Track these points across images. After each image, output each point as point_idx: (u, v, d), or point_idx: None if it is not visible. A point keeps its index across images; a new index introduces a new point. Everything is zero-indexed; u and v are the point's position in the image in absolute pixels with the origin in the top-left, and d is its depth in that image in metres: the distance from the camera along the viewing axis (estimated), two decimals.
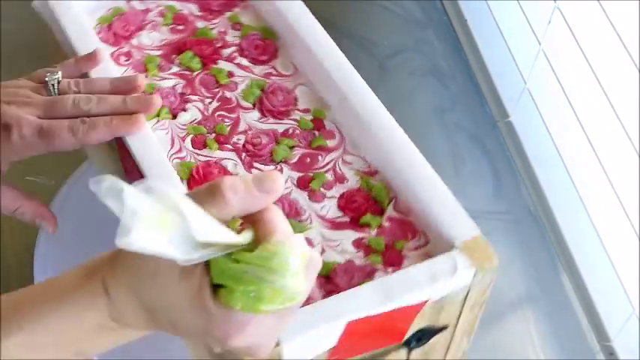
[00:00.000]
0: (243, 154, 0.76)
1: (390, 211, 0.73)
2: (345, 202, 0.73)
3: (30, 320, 0.53)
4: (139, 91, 0.77)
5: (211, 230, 0.49)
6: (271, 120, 0.79)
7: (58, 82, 0.77)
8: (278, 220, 0.52)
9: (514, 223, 1.02)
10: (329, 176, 0.75)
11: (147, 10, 0.87)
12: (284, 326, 0.54)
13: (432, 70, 1.16)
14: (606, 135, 0.90)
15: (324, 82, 0.79)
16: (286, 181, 0.75)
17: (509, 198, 1.04)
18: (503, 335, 0.94)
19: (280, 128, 0.78)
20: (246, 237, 0.51)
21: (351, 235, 0.72)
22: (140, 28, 0.85)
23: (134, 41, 0.84)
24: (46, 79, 0.76)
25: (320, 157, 0.76)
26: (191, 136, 0.77)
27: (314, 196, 0.74)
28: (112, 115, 0.74)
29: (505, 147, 1.09)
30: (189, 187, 0.74)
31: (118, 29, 0.84)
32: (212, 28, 0.85)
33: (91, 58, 0.78)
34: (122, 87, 0.77)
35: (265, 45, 0.83)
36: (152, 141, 0.74)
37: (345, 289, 0.66)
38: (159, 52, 0.83)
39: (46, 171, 1.02)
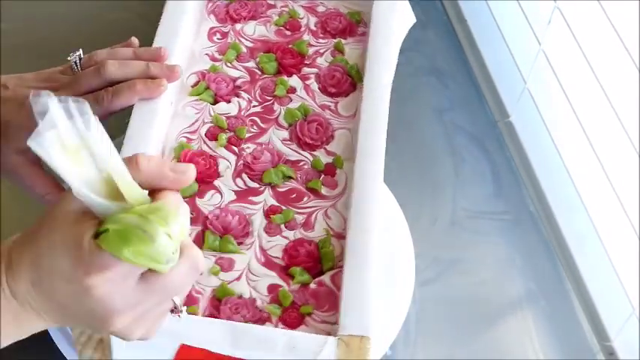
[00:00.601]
0: (240, 162, 0.76)
1: (325, 277, 0.71)
2: (290, 248, 0.72)
3: None
4: (162, 61, 0.77)
5: (117, 172, 0.51)
6: (294, 146, 0.78)
7: (80, 59, 0.78)
8: (177, 199, 0.54)
9: (514, 223, 1.02)
10: (299, 218, 0.73)
11: (271, 6, 0.87)
12: (152, 320, 0.54)
13: (432, 70, 1.16)
14: (606, 135, 0.90)
15: (357, 135, 0.77)
16: (259, 203, 0.74)
17: (509, 198, 1.04)
18: (503, 335, 0.94)
19: (294, 157, 0.77)
20: (145, 199, 0.53)
21: (272, 278, 0.70)
22: (253, 17, 0.86)
23: (238, 26, 0.85)
24: (68, 58, 0.77)
25: (306, 198, 0.75)
26: (211, 125, 0.77)
27: (270, 228, 0.73)
28: (136, 80, 0.75)
29: (505, 147, 1.09)
30: None
31: (232, 10, 0.86)
32: (313, 45, 0.85)
33: (155, 55, 0.78)
34: (145, 56, 0.77)
35: (343, 80, 0.82)
36: (153, 115, 0.74)
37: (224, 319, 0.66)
38: (250, 44, 0.84)
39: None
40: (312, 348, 0.64)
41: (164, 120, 0.76)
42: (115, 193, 0.51)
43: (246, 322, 0.67)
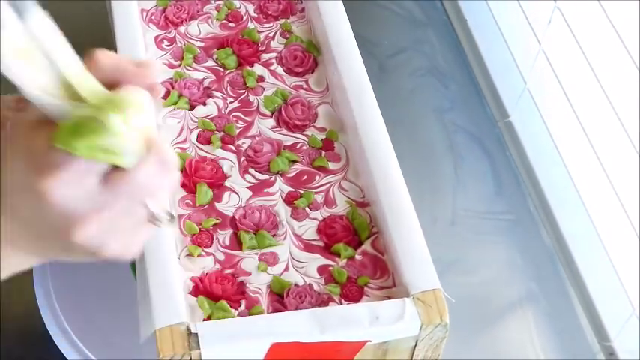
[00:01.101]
0: (242, 159, 0.76)
1: (366, 245, 0.71)
2: (324, 227, 0.72)
3: None
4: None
5: (72, 70, 0.47)
6: (284, 131, 0.78)
7: None
8: (139, 91, 0.48)
9: (514, 223, 1.02)
10: (319, 198, 0.74)
11: (206, 2, 0.87)
12: (126, 231, 0.49)
13: (432, 70, 1.16)
14: (606, 135, 0.90)
15: (343, 105, 0.78)
16: (275, 193, 0.74)
17: (509, 198, 1.04)
18: (503, 335, 0.94)
19: (289, 141, 0.77)
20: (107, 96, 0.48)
21: (319, 260, 0.70)
22: (192, 17, 0.86)
23: (182, 29, 0.85)
24: None
25: (317, 177, 0.75)
26: (199, 130, 0.77)
27: (296, 214, 0.73)
28: None
29: (505, 147, 1.09)
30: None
31: (170, 14, 0.86)
32: (261, 32, 0.85)
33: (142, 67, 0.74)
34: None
35: (305, 58, 0.83)
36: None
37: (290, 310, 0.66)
38: (201, 44, 0.84)
39: None
40: (394, 313, 0.65)
41: None
42: (74, 96, 0.46)
43: (313, 307, 0.67)
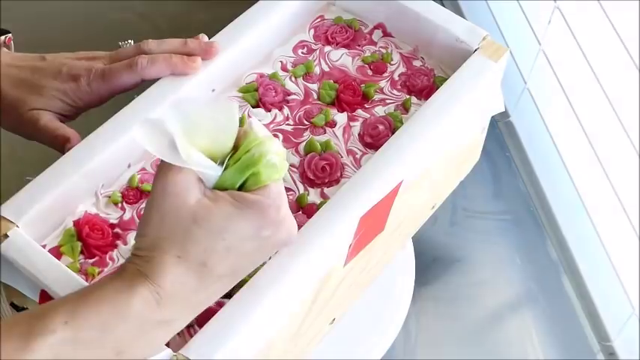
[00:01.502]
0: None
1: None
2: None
3: (73, 315, 0.54)
4: (212, 55, 0.77)
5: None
6: (296, 175, 0.75)
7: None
8: (260, 127, 0.60)
9: (514, 223, 1.02)
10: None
11: (372, 42, 0.84)
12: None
13: None
14: (606, 135, 0.90)
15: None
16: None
17: (509, 198, 1.04)
18: (503, 335, 0.94)
19: (286, 184, 0.74)
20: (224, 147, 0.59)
21: None
22: (346, 46, 0.83)
23: (327, 48, 0.82)
24: (120, 43, 0.79)
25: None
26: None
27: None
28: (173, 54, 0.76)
29: (505, 147, 1.09)
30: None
31: (331, 32, 0.84)
32: (383, 94, 0.80)
33: (207, 50, 0.78)
34: (196, 50, 0.77)
35: (383, 134, 0.77)
36: None
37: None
38: (326, 69, 0.81)
39: None
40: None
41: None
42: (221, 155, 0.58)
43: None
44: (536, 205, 1.04)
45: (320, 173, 0.74)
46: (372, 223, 0.70)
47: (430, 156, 0.76)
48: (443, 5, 1.22)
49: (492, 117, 1.12)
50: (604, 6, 0.86)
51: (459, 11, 1.21)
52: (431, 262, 0.97)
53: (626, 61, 0.82)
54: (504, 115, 1.11)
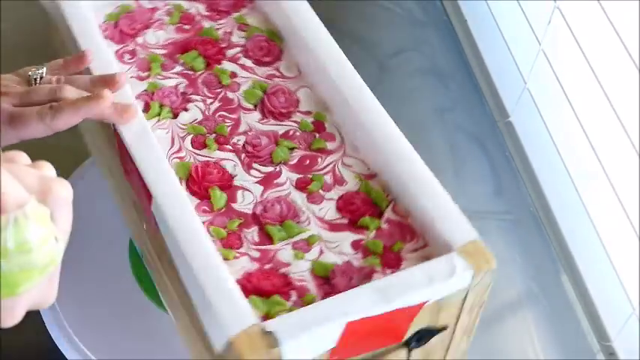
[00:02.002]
0: (243, 155, 0.76)
1: (388, 213, 0.73)
2: (344, 204, 0.73)
3: None
4: (119, 88, 0.76)
5: None
6: (272, 121, 0.79)
7: (41, 78, 0.76)
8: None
9: (514, 223, 1.02)
10: (328, 178, 0.75)
11: (154, 9, 0.87)
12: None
13: (432, 70, 1.16)
14: (606, 135, 0.90)
15: (326, 85, 0.79)
16: (285, 183, 0.75)
17: (509, 198, 1.04)
18: (503, 335, 0.94)
19: (281, 130, 0.78)
20: None
21: (349, 236, 0.72)
22: (146, 27, 0.85)
23: (139, 39, 0.84)
24: (30, 73, 0.76)
25: (319, 159, 0.76)
26: (191, 135, 0.77)
27: (312, 198, 0.74)
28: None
29: (505, 147, 1.09)
30: (188, 186, 0.74)
31: (124, 27, 0.85)
32: (218, 29, 0.85)
33: (80, 58, 0.78)
34: (102, 84, 0.75)
35: (270, 47, 0.83)
36: (150, 140, 0.74)
37: (344, 291, 0.67)
38: (163, 51, 0.83)
39: None
40: (446, 270, 0.66)
41: (157, 147, 0.75)
42: None
43: (362, 283, 0.68)
44: (536, 205, 1.04)
45: (285, 103, 0.79)
46: (374, 332, 0.68)
47: None
48: (443, 5, 1.23)
49: (492, 117, 1.12)
50: (604, 6, 0.86)
51: (459, 11, 1.21)
52: None
53: (626, 61, 0.82)
54: (504, 115, 1.11)
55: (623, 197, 0.88)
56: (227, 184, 0.74)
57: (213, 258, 0.66)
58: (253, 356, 0.61)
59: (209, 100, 0.80)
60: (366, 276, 0.69)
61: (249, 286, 0.67)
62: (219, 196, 0.73)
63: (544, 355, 0.92)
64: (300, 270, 0.70)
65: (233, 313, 0.63)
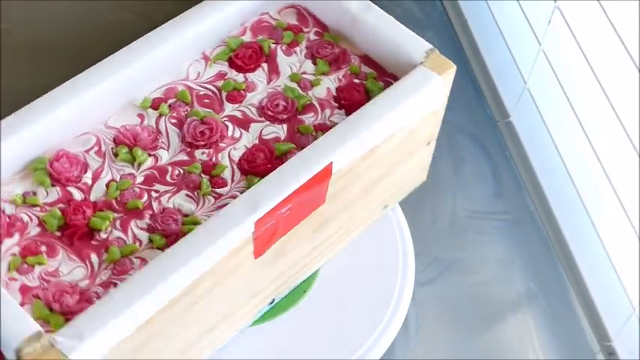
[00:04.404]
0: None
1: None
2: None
3: None
4: None
5: None
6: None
7: None
8: None
9: (514, 223, 1.02)
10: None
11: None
12: None
13: None
14: (606, 135, 0.90)
15: None
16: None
17: (509, 198, 1.04)
18: (503, 335, 0.94)
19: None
20: None
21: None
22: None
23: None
24: None
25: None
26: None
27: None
28: None
29: (505, 147, 1.09)
30: None
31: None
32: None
33: None
34: None
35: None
36: None
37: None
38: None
39: None
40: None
41: None
42: None
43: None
44: (536, 205, 1.04)
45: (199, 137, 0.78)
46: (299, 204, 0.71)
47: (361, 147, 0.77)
48: (443, 5, 1.23)
49: (492, 117, 1.12)
50: (604, 6, 0.86)
51: (459, 11, 1.21)
52: (431, 262, 0.97)
53: (626, 61, 0.82)
54: (504, 115, 1.11)
55: (623, 197, 0.88)
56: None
57: None
58: None
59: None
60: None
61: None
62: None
63: (544, 355, 0.92)
64: None
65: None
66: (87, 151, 0.76)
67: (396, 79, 0.82)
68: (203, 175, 0.76)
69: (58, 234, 0.72)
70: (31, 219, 0.72)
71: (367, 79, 0.82)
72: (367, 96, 0.81)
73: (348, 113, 0.80)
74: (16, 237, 0.71)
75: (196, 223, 0.73)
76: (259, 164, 0.76)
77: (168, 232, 0.72)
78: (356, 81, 0.82)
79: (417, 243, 0.93)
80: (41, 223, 0.72)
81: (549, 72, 0.99)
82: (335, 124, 0.78)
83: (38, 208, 0.73)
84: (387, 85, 0.82)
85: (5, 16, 1.14)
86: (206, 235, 0.68)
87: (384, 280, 0.88)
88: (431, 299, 0.94)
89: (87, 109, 0.76)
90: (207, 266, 0.67)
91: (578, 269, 0.98)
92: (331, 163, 0.72)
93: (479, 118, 1.11)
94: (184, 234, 0.70)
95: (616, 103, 0.86)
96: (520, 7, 1.05)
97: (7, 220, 0.72)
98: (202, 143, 0.77)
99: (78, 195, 0.74)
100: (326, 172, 0.72)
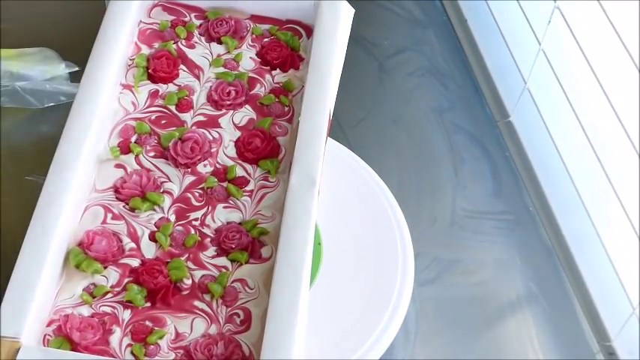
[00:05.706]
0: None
1: None
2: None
3: None
4: None
5: None
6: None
7: None
8: None
9: (514, 223, 1.02)
10: None
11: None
12: None
13: (432, 70, 1.16)
14: (606, 135, 0.90)
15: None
16: None
17: (509, 198, 1.04)
18: (503, 335, 0.94)
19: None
20: None
21: None
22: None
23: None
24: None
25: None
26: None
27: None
28: None
29: (505, 147, 1.09)
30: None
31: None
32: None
33: None
34: None
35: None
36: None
37: None
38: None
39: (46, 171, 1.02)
40: None
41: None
42: None
43: None
44: (536, 205, 1.04)
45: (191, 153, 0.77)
46: None
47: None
48: (443, 5, 1.23)
49: (492, 117, 1.12)
50: (604, 6, 0.86)
51: (458, 11, 1.21)
52: (431, 262, 0.97)
53: (626, 61, 0.82)
54: (504, 115, 1.11)
55: (623, 197, 0.88)
56: None
57: None
58: None
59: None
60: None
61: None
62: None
63: (544, 355, 0.92)
64: None
65: None
66: (104, 222, 0.73)
67: (295, 23, 0.86)
68: (223, 184, 0.75)
69: (148, 304, 0.69)
70: (113, 307, 0.69)
71: (275, 33, 0.85)
72: (287, 45, 0.84)
73: (284, 70, 0.82)
74: (117, 330, 0.68)
75: (255, 225, 0.72)
76: (262, 147, 0.77)
77: (245, 245, 0.72)
78: (266, 40, 0.84)
79: (416, 243, 0.93)
80: (127, 304, 0.69)
81: (549, 72, 0.99)
82: (283, 83, 0.81)
83: (111, 295, 0.70)
84: (294, 31, 0.85)
85: (5, 16, 1.14)
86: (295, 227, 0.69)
87: (384, 280, 0.88)
88: (431, 299, 0.94)
89: (70, 193, 0.73)
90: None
91: (578, 269, 0.98)
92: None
93: (479, 118, 1.11)
94: (258, 240, 0.71)
95: (616, 103, 0.86)
96: (520, 7, 1.05)
97: (96, 321, 0.68)
98: (199, 157, 0.76)
99: (135, 262, 0.71)
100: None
